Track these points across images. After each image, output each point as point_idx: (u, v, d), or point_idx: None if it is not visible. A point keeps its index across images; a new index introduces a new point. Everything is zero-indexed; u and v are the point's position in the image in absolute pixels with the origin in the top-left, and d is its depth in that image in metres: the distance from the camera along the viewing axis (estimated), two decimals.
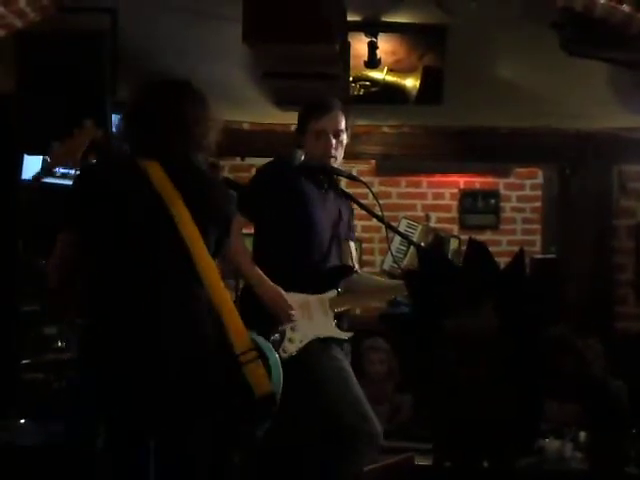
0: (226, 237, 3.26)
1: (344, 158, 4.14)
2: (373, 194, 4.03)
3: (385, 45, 5.65)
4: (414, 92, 5.86)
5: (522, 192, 8.26)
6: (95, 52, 4.87)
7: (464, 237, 6.85)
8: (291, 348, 3.89)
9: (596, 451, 5.06)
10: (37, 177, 4.12)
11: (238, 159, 7.70)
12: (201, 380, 3.02)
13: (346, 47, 5.26)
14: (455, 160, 7.50)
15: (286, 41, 4.55)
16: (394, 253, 5.46)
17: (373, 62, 5.65)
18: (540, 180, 8.20)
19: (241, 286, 4.18)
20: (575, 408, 5.35)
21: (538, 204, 8.21)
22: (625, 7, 4.00)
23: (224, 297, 3.06)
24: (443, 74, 5.77)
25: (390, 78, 5.82)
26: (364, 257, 7.69)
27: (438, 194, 8.27)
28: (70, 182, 3.21)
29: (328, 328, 4.00)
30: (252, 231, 4.10)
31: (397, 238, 5.82)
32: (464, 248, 3.46)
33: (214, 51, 5.40)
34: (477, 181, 8.28)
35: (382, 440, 3.91)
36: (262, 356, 3.07)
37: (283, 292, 3.90)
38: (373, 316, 4.29)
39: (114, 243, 3.06)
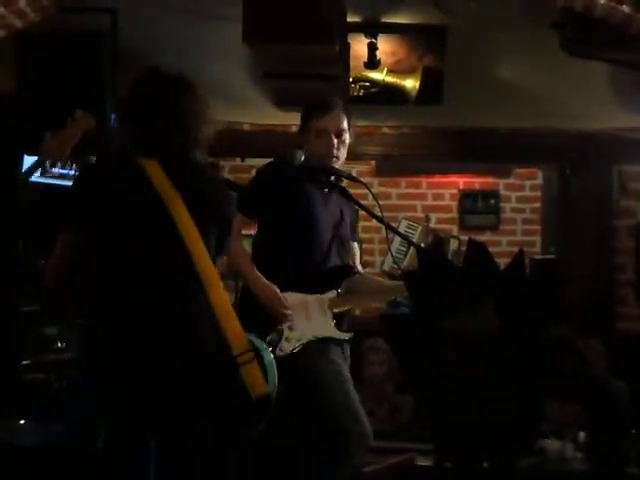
0: (227, 236, 3.26)
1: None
2: (373, 195, 4.03)
3: (385, 46, 5.65)
4: (414, 93, 5.87)
5: (522, 193, 8.26)
6: (95, 52, 4.87)
7: (464, 238, 6.87)
8: (288, 347, 3.89)
9: (597, 451, 5.06)
10: (27, 172, 4.10)
11: (238, 160, 7.70)
12: (201, 381, 3.02)
13: (346, 48, 5.26)
14: (455, 161, 7.50)
15: (286, 41, 4.55)
16: (394, 254, 5.47)
17: (373, 63, 5.65)
18: (540, 181, 8.20)
19: (240, 287, 4.19)
20: (576, 408, 5.35)
21: (538, 205, 8.21)
22: (625, 7, 4.01)
23: (222, 298, 3.06)
24: (443, 75, 5.77)
25: (390, 79, 5.83)
26: (364, 258, 7.69)
27: (438, 195, 8.27)
28: (70, 182, 3.21)
29: (326, 328, 4.00)
30: (251, 232, 4.10)
31: (397, 239, 5.83)
32: (464, 249, 3.46)
33: (214, 51, 5.40)
34: (477, 182, 8.28)
35: (382, 441, 3.92)
36: (258, 357, 3.07)
37: (279, 291, 3.90)
38: (373, 316, 4.30)
39: (114, 244, 3.06)
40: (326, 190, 4.07)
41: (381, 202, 4.07)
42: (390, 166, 7.94)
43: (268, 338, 3.68)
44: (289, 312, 3.90)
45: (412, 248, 5.98)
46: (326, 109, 4.04)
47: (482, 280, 3.04)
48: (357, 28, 5.48)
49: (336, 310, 4.03)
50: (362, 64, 5.65)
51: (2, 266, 5.33)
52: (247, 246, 4.07)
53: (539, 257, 7.52)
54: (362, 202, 4.18)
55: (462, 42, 5.51)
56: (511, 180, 8.26)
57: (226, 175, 7.68)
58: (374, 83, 5.82)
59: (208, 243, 3.08)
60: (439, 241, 6.95)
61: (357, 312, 4.15)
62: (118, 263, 3.07)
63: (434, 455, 3.69)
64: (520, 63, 5.77)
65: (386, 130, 6.96)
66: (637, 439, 5.15)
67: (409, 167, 8.02)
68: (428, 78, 5.79)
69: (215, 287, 3.05)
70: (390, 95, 5.87)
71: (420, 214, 8.08)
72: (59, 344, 5.30)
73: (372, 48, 5.58)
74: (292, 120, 6.46)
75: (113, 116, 4.67)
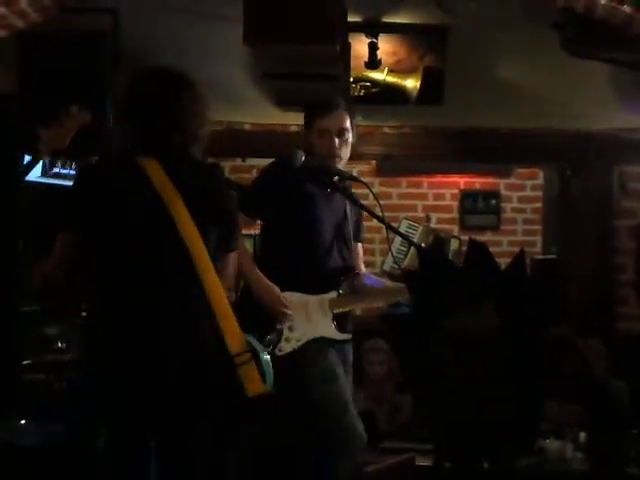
0: (231, 234, 3.23)
1: None
2: (374, 195, 4.04)
3: (386, 46, 5.65)
4: (415, 93, 5.87)
5: (523, 193, 8.26)
6: (96, 52, 4.87)
7: (465, 238, 6.83)
8: (287, 347, 3.89)
9: (597, 452, 5.06)
10: (24, 170, 4.09)
11: (239, 160, 7.70)
12: (201, 381, 3.02)
13: (347, 48, 5.25)
14: (456, 161, 7.50)
15: (287, 41, 4.55)
16: (394, 254, 5.45)
17: (374, 63, 5.65)
18: (541, 181, 8.20)
19: (240, 287, 4.19)
20: (576, 408, 5.35)
21: (539, 205, 8.21)
22: (626, 8, 4.01)
23: (221, 298, 3.06)
24: (444, 75, 5.78)
25: (391, 79, 5.83)
26: (364, 258, 7.68)
27: (439, 195, 8.26)
28: (70, 182, 3.21)
29: (326, 329, 4.00)
30: (252, 232, 4.10)
31: (397, 239, 5.81)
32: (464, 249, 3.46)
33: (215, 51, 5.40)
34: (478, 182, 8.28)
35: (382, 441, 3.90)
36: (255, 357, 3.07)
37: (279, 291, 3.90)
38: (373, 317, 4.29)
39: (114, 244, 3.06)
40: (329, 190, 4.07)
41: (382, 202, 4.07)
42: (391, 166, 7.94)
43: (267, 338, 3.68)
44: (289, 312, 3.91)
45: (413, 248, 5.96)
46: (328, 109, 4.04)
47: (483, 280, 3.04)
48: (358, 28, 5.48)
49: (336, 311, 4.03)
50: (363, 64, 5.65)
51: (2, 266, 5.32)
52: (248, 246, 4.08)
53: (540, 257, 7.52)
54: (363, 202, 4.19)
55: (463, 42, 5.51)
56: (512, 180, 8.26)
57: (227, 175, 7.68)
58: (375, 83, 5.82)
59: (208, 243, 3.08)
60: (440, 241, 6.93)
61: (357, 312, 4.14)
62: (118, 263, 3.07)
63: (434, 455, 3.69)
64: (521, 63, 5.77)
65: (387, 130, 6.97)
66: (637, 439, 5.15)
67: (410, 167, 8.02)
68: (429, 78, 5.79)
69: (214, 287, 3.05)
70: (391, 95, 5.87)
71: (421, 214, 8.08)
72: (59, 344, 5.29)
73: (373, 48, 5.58)
74: (292, 120, 6.49)
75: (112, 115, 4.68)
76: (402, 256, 6.27)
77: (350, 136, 4.07)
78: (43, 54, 4.83)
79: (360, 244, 4.29)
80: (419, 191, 8.25)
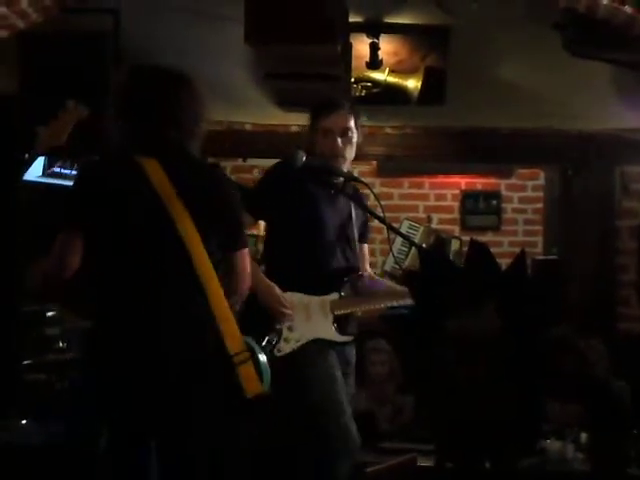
0: (234, 234, 3.21)
1: None
2: (375, 195, 4.03)
3: (387, 46, 5.66)
4: (416, 93, 5.87)
5: (524, 193, 8.26)
6: (97, 53, 4.87)
7: (465, 238, 6.86)
8: (286, 348, 3.89)
9: (598, 452, 5.05)
10: (24, 164, 4.09)
11: (240, 160, 7.70)
12: (201, 381, 3.01)
13: (348, 48, 5.26)
14: (457, 161, 7.50)
15: (288, 42, 4.55)
16: (395, 254, 5.47)
17: (375, 63, 5.66)
18: (542, 181, 8.20)
19: None
20: (577, 409, 5.34)
21: (540, 205, 8.21)
22: (627, 8, 4.01)
23: (221, 298, 3.05)
24: (445, 75, 5.78)
25: (392, 79, 5.83)
26: None
27: (440, 195, 8.27)
28: (70, 182, 3.20)
29: (326, 331, 3.99)
30: (254, 231, 4.10)
31: (399, 239, 5.83)
32: (466, 249, 3.46)
33: (216, 52, 5.40)
34: (479, 182, 8.28)
35: (384, 442, 3.90)
36: (253, 357, 3.07)
37: (280, 291, 3.90)
38: (375, 317, 4.29)
39: (114, 244, 3.06)
40: (332, 190, 4.06)
41: (383, 202, 4.07)
42: (392, 166, 7.94)
43: (266, 338, 3.68)
44: (289, 312, 3.90)
45: (414, 248, 5.97)
46: (332, 109, 4.04)
47: (484, 280, 3.04)
48: (359, 28, 5.49)
49: (338, 312, 4.02)
50: (364, 64, 5.65)
51: (2, 266, 5.32)
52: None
53: (541, 257, 7.52)
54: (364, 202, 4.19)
55: (464, 42, 5.51)
56: (513, 181, 8.27)
57: (228, 175, 7.67)
58: (376, 83, 5.82)
59: (208, 243, 3.07)
60: (441, 241, 6.95)
61: (359, 313, 4.14)
62: (118, 263, 3.06)
63: (435, 455, 3.69)
64: (522, 63, 5.77)
65: (388, 130, 6.96)
66: (638, 439, 5.14)
67: (411, 167, 8.02)
68: (430, 78, 5.79)
69: (214, 287, 3.04)
70: (392, 95, 5.88)
71: (422, 214, 8.08)
72: (60, 344, 5.29)
73: (374, 48, 5.59)
74: (294, 120, 6.49)
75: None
76: (403, 256, 6.28)
77: (354, 136, 4.06)
78: (44, 54, 4.83)
79: (366, 245, 4.28)
80: (420, 191, 8.25)
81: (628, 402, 5.48)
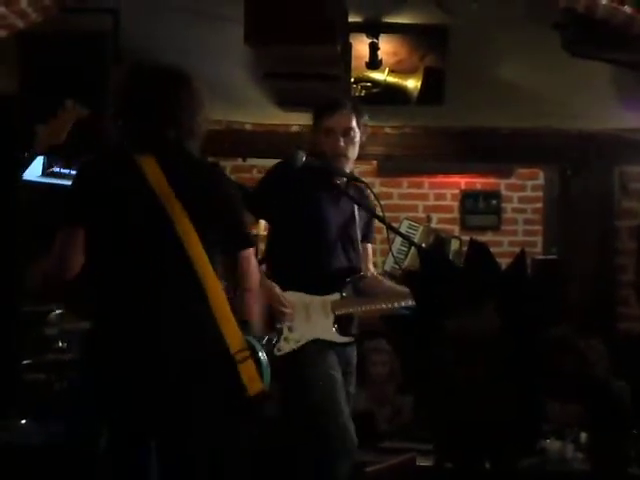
0: (236, 233, 3.20)
1: None
2: (374, 195, 4.03)
3: (386, 46, 5.66)
4: (415, 93, 5.87)
5: (523, 193, 8.26)
6: (97, 52, 4.87)
7: (465, 238, 6.87)
8: (286, 347, 3.89)
9: (598, 452, 5.05)
10: (28, 158, 4.09)
11: (240, 160, 7.70)
12: (201, 381, 3.01)
13: (347, 48, 5.26)
14: (456, 161, 7.50)
15: (288, 42, 4.55)
16: (395, 254, 5.47)
17: (374, 63, 5.66)
18: (541, 181, 8.20)
19: None
20: (577, 409, 5.34)
21: (539, 205, 8.21)
22: (627, 8, 4.01)
23: (220, 297, 3.05)
24: (444, 75, 5.78)
25: (391, 79, 5.83)
26: None
27: (439, 195, 8.27)
28: (69, 182, 3.20)
29: (326, 331, 3.99)
30: (253, 231, 4.10)
31: (398, 239, 5.83)
32: (465, 249, 3.46)
33: (216, 51, 5.40)
34: (478, 182, 8.28)
35: (383, 441, 3.89)
36: (254, 355, 3.07)
37: (279, 291, 3.90)
38: (375, 317, 4.28)
39: (113, 244, 3.06)
40: (334, 190, 4.05)
41: (382, 202, 4.08)
42: (392, 166, 7.94)
43: (266, 337, 3.67)
44: (289, 311, 3.90)
45: (413, 248, 5.98)
46: (334, 108, 4.04)
47: (483, 280, 3.04)
48: (359, 28, 5.49)
49: (339, 313, 4.01)
50: (364, 64, 5.65)
51: (2, 266, 5.32)
52: None
53: (540, 257, 7.52)
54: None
55: (464, 42, 5.51)
56: (512, 180, 8.26)
57: (227, 175, 7.68)
58: (376, 83, 5.82)
59: (207, 242, 3.06)
60: (440, 241, 6.95)
61: (360, 313, 4.14)
62: (117, 263, 3.06)
63: (435, 455, 3.68)
64: (521, 63, 5.77)
65: (388, 130, 6.96)
66: (638, 439, 5.14)
67: (410, 167, 8.02)
68: (429, 78, 5.79)
69: (214, 287, 3.04)
70: (392, 95, 5.88)
71: (421, 214, 8.08)
72: (60, 344, 5.29)
73: (374, 48, 5.59)
74: (294, 120, 6.49)
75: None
76: (403, 256, 6.28)
77: (357, 136, 4.06)
78: (44, 54, 4.84)
79: (370, 245, 4.27)
80: (420, 191, 8.25)
81: (628, 402, 5.48)
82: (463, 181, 8.26)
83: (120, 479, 3.13)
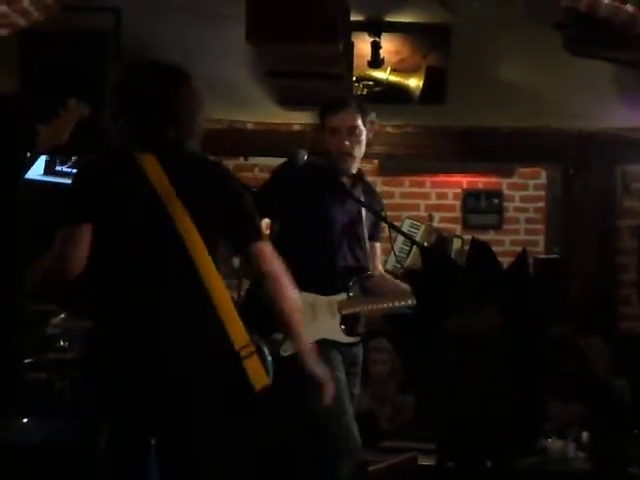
0: (242, 229, 3.18)
1: None
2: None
3: (388, 45, 5.66)
4: (417, 92, 5.87)
5: (525, 192, 8.25)
6: (99, 51, 4.87)
7: (467, 237, 6.84)
8: (291, 348, 3.88)
9: (599, 451, 5.05)
10: (26, 163, 4.08)
11: (241, 159, 7.70)
12: (202, 380, 3.01)
13: (349, 47, 5.26)
14: (458, 160, 7.49)
15: (289, 41, 4.55)
16: (397, 253, 5.45)
17: (376, 62, 5.65)
18: (543, 180, 8.19)
19: (246, 286, 4.17)
20: (578, 408, 5.34)
21: (541, 204, 8.20)
22: (629, 7, 4.01)
23: (223, 295, 3.04)
24: (446, 74, 5.78)
25: (393, 78, 5.83)
26: None
27: (441, 194, 8.26)
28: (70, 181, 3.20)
29: (332, 331, 3.97)
30: None
31: (400, 238, 5.81)
32: (467, 248, 3.46)
33: (217, 50, 5.40)
34: (480, 181, 8.27)
35: (384, 441, 3.89)
36: (259, 351, 3.06)
37: None
38: (377, 316, 4.28)
39: (113, 244, 3.05)
40: (339, 189, 4.04)
41: (384, 201, 4.07)
42: (393, 165, 7.93)
43: (272, 338, 3.67)
44: None
45: (415, 247, 5.96)
46: (339, 107, 4.04)
47: (485, 279, 3.04)
48: (361, 27, 5.49)
49: (345, 312, 4.00)
50: (366, 63, 5.65)
51: (2, 266, 5.33)
52: None
53: (542, 256, 7.51)
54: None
55: (466, 41, 5.51)
56: (514, 180, 8.26)
57: None
58: (377, 82, 5.82)
59: (209, 241, 3.05)
60: (442, 240, 6.93)
61: (367, 313, 4.13)
62: (118, 262, 3.05)
63: (436, 454, 3.68)
64: (523, 63, 5.77)
65: (389, 129, 6.95)
66: (639, 438, 5.14)
67: (412, 166, 8.02)
68: (431, 77, 5.79)
69: (216, 285, 3.04)
70: (394, 94, 5.87)
71: (423, 213, 8.07)
72: (61, 343, 5.29)
73: (376, 47, 5.58)
74: (295, 119, 6.49)
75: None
76: (405, 255, 6.27)
77: (362, 134, 4.06)
78: (45, 53, 4.83)
79: (378, 244, 4.25)
80: (422, 190, 8.25)
81: (628, 401, 5.49)
82: (465, 180, 8.26)
83: (120, 478, 3.13)
